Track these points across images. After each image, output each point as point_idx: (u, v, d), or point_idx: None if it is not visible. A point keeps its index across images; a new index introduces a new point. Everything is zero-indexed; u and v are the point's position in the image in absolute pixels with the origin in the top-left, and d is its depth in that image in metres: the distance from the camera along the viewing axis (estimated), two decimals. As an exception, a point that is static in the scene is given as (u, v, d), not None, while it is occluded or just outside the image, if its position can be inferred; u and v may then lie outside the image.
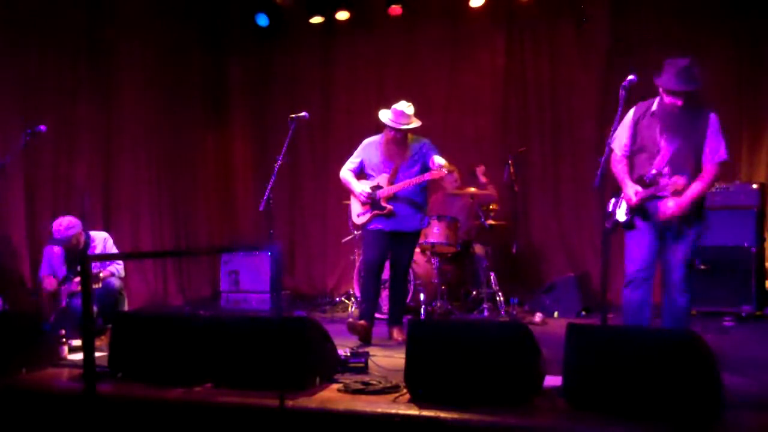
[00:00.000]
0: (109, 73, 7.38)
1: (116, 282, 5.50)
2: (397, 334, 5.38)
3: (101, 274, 5.43)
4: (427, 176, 5.16)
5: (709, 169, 4.12)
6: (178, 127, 8.17)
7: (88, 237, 5.60)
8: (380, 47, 8.35)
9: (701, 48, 6.94)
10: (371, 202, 5.32)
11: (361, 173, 5.49)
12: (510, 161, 6.56)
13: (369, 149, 5.47)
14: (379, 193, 5.30)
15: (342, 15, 8.18)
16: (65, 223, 5.44)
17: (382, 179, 5.34)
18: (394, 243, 5.38)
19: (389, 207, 5.27)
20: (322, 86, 8.57)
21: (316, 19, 8.31)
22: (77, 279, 5.36)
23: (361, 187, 5.36)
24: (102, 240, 5.65)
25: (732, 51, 6.89)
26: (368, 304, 5.38)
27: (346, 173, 5.47)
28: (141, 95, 7.71)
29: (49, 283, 5.47)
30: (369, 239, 5.38)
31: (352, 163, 5.49)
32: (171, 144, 8.09)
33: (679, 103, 4.10)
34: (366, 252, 5.48)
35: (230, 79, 8.87)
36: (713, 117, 4.14)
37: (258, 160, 8.72)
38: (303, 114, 5.09)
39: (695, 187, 4.09)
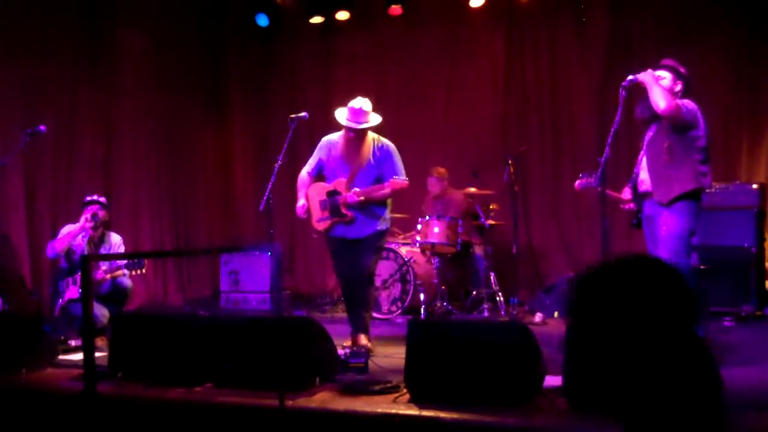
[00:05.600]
0: (109, 73, 7.39)
1: (127, 282, 5.56)
2: (364, 340, 4.90)
3: (111, 275, 5.48)
4: (387, 190, 4.85)
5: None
6: (178, 127, 8.17)
7: (104, 233, 5.68)
8: (380, 47, 8.35)
9: (701, 48, 6.95)
10: (331, 208, 4.98)
11: (320, 174, 5.13)
12: (510, 161, 6.55)
13: (327, 149, 5.07)
14: (339, 199, 4.93)
15: (342, 15, 8.18)
16: (103, 198, 5.69)
17: (339, 184, 4.96)
18: (356, 248, 5.00)
19: (350, 215, 4.90)
20: (322, 86, 8.57)
21: (316, 19, 8.31)
22: (103, 267, 5.43)
23: (316, 197, 5.03)
24: (118, 242, 5.80)
25: (732, 51, 6.89)
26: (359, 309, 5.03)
27: (303, 177, 5.11)
28: (141, 96, 7.71)
29: (52, 249, 5.55)
30: (336, 249, 5.06)
31: (309, 165, 5.13)
32: (171, 144, 8.09)
33: (655, 72, 4.26)
34: (338, 263, 5.11)
35: (230, 79, 8.88)
36: (688, 101, 4.20)
37: (258, 160, 8.71)
38: (303, 114, 5.08)
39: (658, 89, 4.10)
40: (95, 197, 5.65)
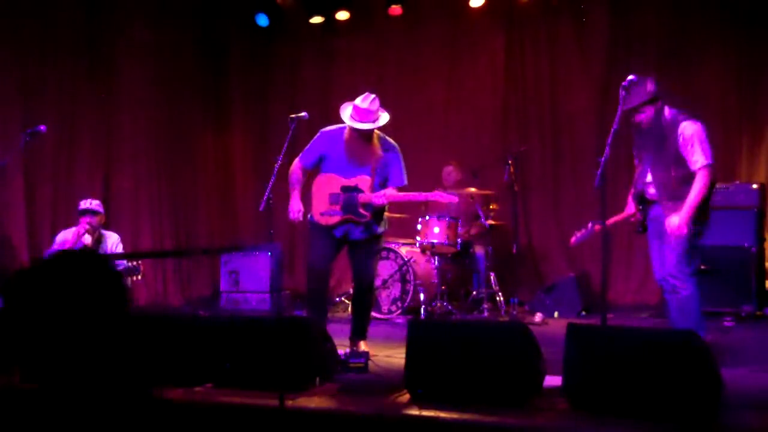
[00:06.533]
0: (109, 73, 7.38)
1: (127, 282, 5.55)
2: (364, 347, 4.69)
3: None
4: (427, 200, 4.74)
5: (698, 176, 4.07)
6: (178, 127, 8.17)
7: (101, 235, 5.67)
8: (380, 47, 8.36)
9: (701, 48, 6.96)
10: (344, 204, 4.61)
11: (315, 169, 4.79)
12: (510, 161, 6.55)
13: (331, 143, 4.70)
14: (359, 197, 4.58)
15: (342, 15, 8.19)
16: (96, 202, 5.60)
17: (363, 182, 4.62)
18: (353, 252, 4.75)
19: (368, 215, 4.58)
20: (322, 86, 8.57)
21: (316, 19, 8.32)
22: None
23: (326, 188, 4.67)
24: (115, 241, 5.76)
25: (732, 51, 6.89)
26: (322, 316, 4.72)
27: (296, 172, 4.77)
28: (141, 95, 7.71)
29: None
30: (325, 242, 4.68)
31: (305, 158, 4.76)
32: (171, 144, 8.09)
33: (635, 120, 4.19)
34: (319, 255, 4.69)
35: (230, 78, 8.87)
36: (683, 127, 4.10)
37: (258, 160, 8.71)
38: (303, 114, 5.05)
39: (690, 196, 4.04)
40: (88, 205, 5.54)
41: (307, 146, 4.82)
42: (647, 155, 4.33)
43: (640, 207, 4.45)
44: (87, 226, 5.49)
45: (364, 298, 4.81)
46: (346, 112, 4.59)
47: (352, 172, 4.66)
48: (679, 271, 4.12)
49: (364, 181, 4.63)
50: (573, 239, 4.79)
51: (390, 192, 4.62)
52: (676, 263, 4.13)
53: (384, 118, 4.60)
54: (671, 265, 4.14)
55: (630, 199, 4.57)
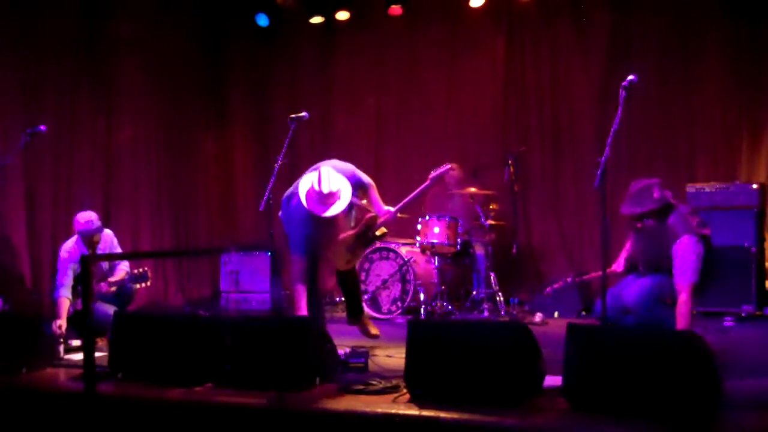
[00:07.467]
0: (109, 73, 7.38)
1: (132, 284, 5.54)
2: (371, 327, 4.94)
3: (116, 279, 5.44)
4: (429, 180, 4.83)
5: (681, 298, 4.08)
6: (178, 127, 8.17)
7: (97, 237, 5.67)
8: (380, 47, 8.35)
9: (701, 47, 6.96)
10: (366, 243, 4.80)
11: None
12: (510, 161, 6.56)
13: (309, 222, 4.51)
14: (377, 230, 4.70)
15: (342, 15, 8.18)
16: (95, 217, 5.51)
17: (368, 222, 4.67)
18: None
19: (385, 230, 4.74)
20: (322, 86, 8.57)
21: (316, 19, 8.32)
22: (110, 279, 5.42)
23: (342, 246, 4.68)
24: (110, 238, 5.69)
25: (732, 51, 6.88)
26: (319, 313, 4.86)
27: (303, 289, 4.59)
28: (141, 95, 7.71)
29: (63, 307, 5.29)
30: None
31: (304, 251, 4.62)
32: (171, 144, 8.09)
33: (636, 225, 4.25)
34: (306, 269, 4.70)
35: (230, 79, 8.87)
36: (681, 242, 4.12)
37: (258, 161, 8.71)
38: (303, 114, 5.06)
39: (679, 320, 4.03)
40: (85, 223, 5.43)
41: (297, 244, 4.63)
42: (644, 256, 4.39)
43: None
44: (88, 246, 5.49)
45: (356, 278, 5.11)
46: (303, 189, 4.40)
47: (348, 224, 4.69)
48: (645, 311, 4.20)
49: (369, 220, 4.67)
50: (549, 289, 5.02)
51: (393, 207, 4.67)
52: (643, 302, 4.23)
53: (345, 195, 4.35)
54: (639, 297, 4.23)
55: (622, 258, 4.61)
